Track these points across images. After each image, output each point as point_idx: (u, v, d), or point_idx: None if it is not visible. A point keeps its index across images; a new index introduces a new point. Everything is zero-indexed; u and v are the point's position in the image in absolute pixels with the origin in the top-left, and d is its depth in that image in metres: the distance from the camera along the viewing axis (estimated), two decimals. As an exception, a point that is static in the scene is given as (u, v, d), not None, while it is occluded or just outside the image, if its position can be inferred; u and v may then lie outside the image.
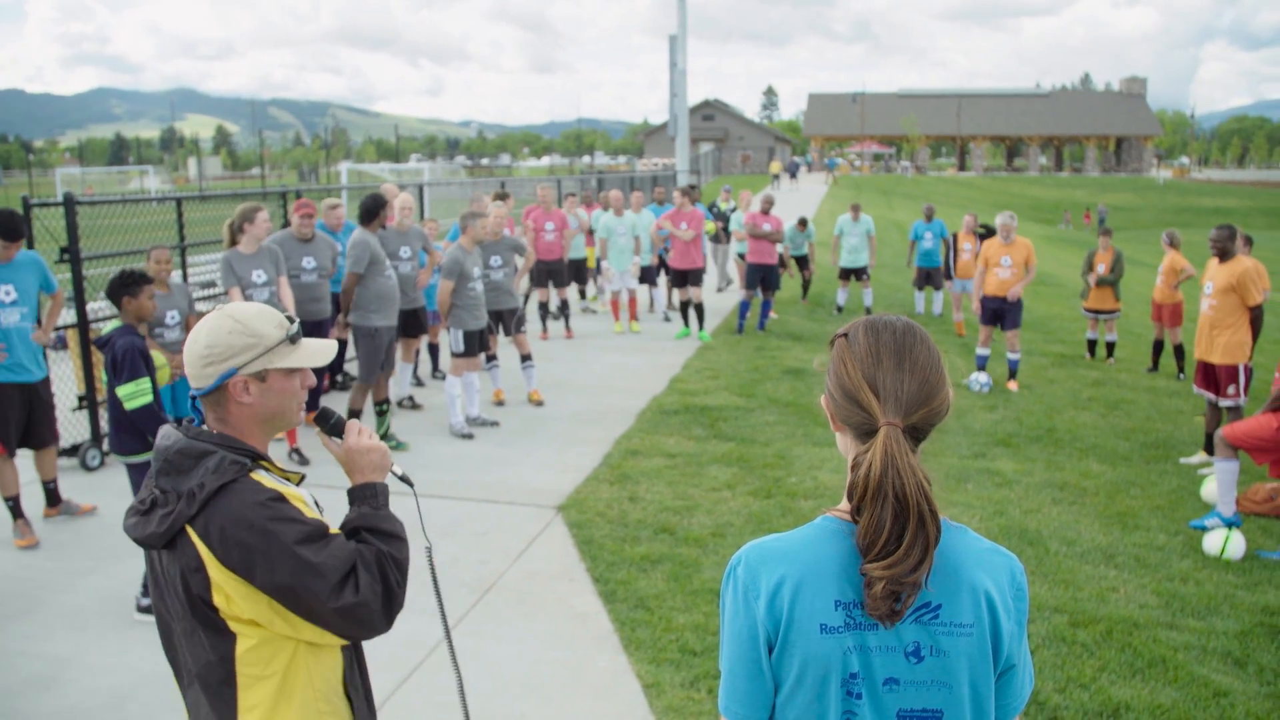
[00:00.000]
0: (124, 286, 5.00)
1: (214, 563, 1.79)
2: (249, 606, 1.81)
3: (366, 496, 2.01)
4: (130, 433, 4.90)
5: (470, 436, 7.89)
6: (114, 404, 4.91)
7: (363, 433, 2.06)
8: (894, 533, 1.39)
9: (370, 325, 7.40)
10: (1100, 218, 47.62)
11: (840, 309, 14.40)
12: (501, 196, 11.57)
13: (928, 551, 1.40)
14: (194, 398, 1.97)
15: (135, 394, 4.77)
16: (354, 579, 1.85)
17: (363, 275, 7.36)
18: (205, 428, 1.95)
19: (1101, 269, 11.33)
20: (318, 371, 8.48)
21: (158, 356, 5.21)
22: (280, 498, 1.85)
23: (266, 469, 1.94)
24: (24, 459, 6.32)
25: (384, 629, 1.89)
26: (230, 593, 1.80)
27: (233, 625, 1.83)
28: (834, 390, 1.51)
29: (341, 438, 2.07)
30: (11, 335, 5.79)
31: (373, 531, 1.96)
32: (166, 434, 1.90)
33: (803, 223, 14.91)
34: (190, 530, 1.80)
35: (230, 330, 1.91)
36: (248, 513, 1.79)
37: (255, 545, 1.78)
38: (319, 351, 2.01)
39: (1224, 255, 7.21)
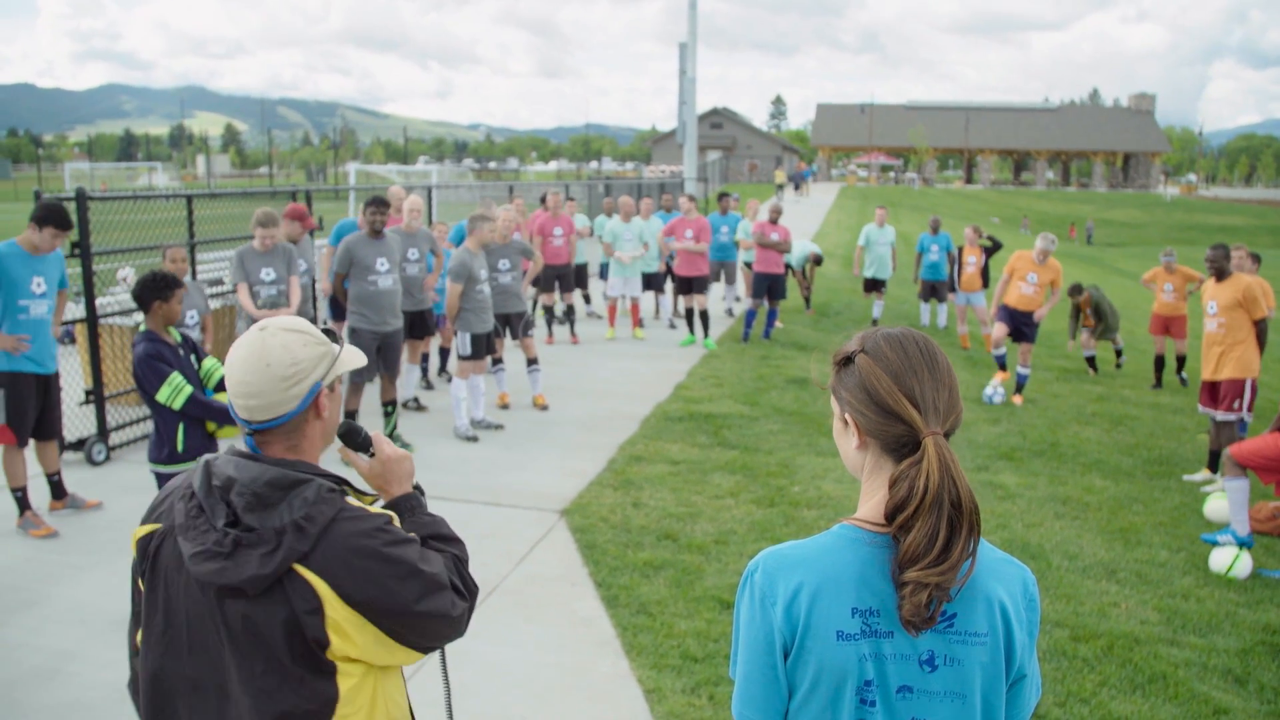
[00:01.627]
0: (155, 290, 4.77)
1: (334, 599, 1.66)
2: (361, 641, 1.70)
3: (414, 506, 1.97)
4: (165, 443, 4.77)
5: (475, 439, 7.91)
6: (154, 413, 4.82)
7: (389, 443, 2.00)
8: (948, 541, 1.41)
9: (350, 327, 7.48)
10: (1088, 234, 47.22)
11: (875, 321, 14.28)
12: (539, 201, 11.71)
13: (972, 556, 1.44)
14: (256, 431, 1.79)
15: (173, 393, 4.62)
16: (455, 586, 1.82)
17: (345, 277, 7.44)
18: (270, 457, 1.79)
19: (1094, 331, 11.60)
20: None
21: (210, 360, 5.01)
22: (390, 520, 1.78)
23: (348, 492, 1.81)
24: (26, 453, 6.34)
25: (463, 632, 1.87)
26: (348, 630, 1.68)
27: (341, 665, 1.72)
28: (863, 407, 1.51)
29: (369, 452, 1.99)
30: (39, 326, 5.94)
31: (437, 538, 1.91)
32: (242, 466, 1.72)
33: (818, 260, 15.05)
34: (301, 568, 1.66)
35: (305, 342, 1.79)
36: (368, 541, 1.69)
37: (384, 574, 1.68)
38: (357, 354, 1.93)
39: (1221, 274, 7.27)
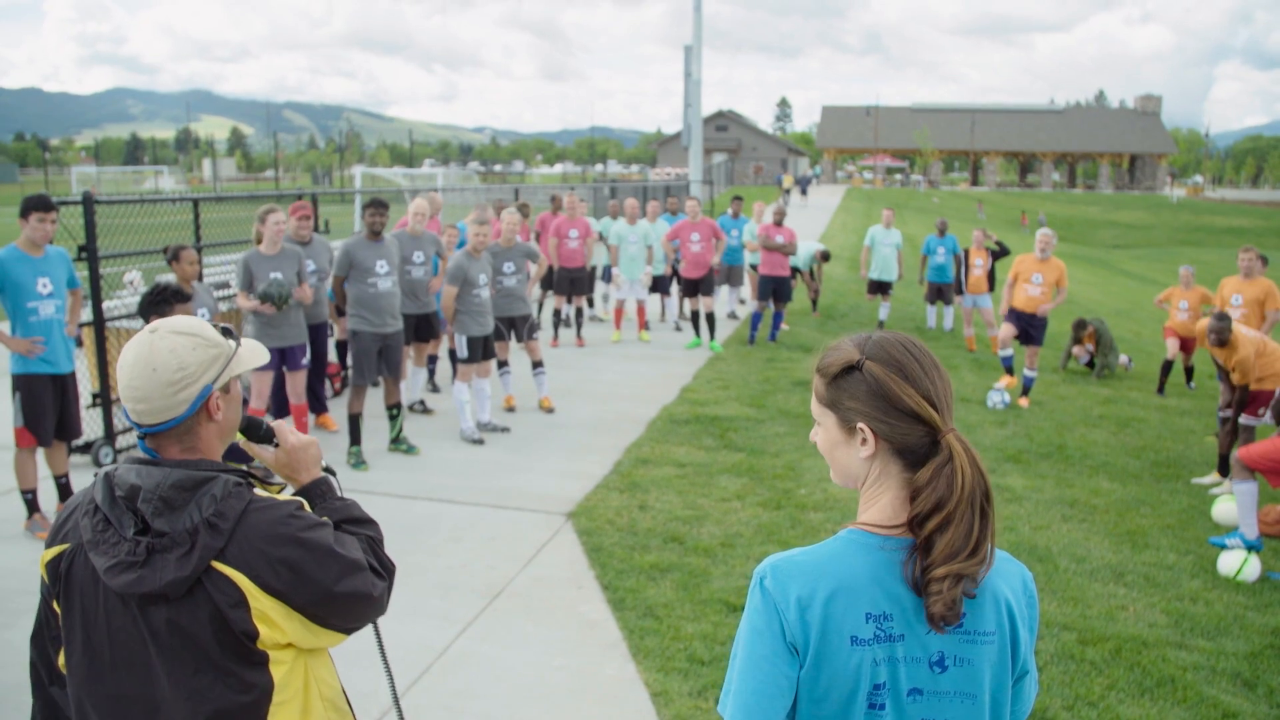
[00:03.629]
0: (151, 305, 4.71)
1: (255, 590, 1.68)
2: (289, 627, 1.73)
3: (325, 492, 1.98)
4: None
5: (480, 442, 7.91)
6: None
7: (292, 431, 2.00)
8: (981, 532, 1.43)
9: (351, 329, 7.46)
10: (1040, 222, 48.06)
11: (882, 324, 14.30)
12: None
13: (994, 543, 1.46)
14: (148, 434, 1.77)
15: None
16: (372, 566, 1.85)
17: (345, 279, 7.45)
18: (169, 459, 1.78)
19: (1090, 349, 11.63)
20: (324, 373, 8.51)
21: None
22: (300, 506, 1.80)
23: (255, 483, 1.83)
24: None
25: (384, 611, 1.90)
26: (274, 618, 1.70)
27: (272, 654, 1.74)
28: (883, 414, 1.49)
29: (273, 443, 1.99)
30: (51, 326, 5.93)
31: (350, 521, 1.94)
32: (143, 473, 1.71)
33: (825, 256, 15.05)
34: (219, 564, 1.67)
35: (194, 346, 1.77)
36: (282, 529, 1.71)
37: (301, 559, 1.71)
38: (258, 351, 1.92)
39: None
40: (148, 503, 1.67)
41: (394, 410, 7.65)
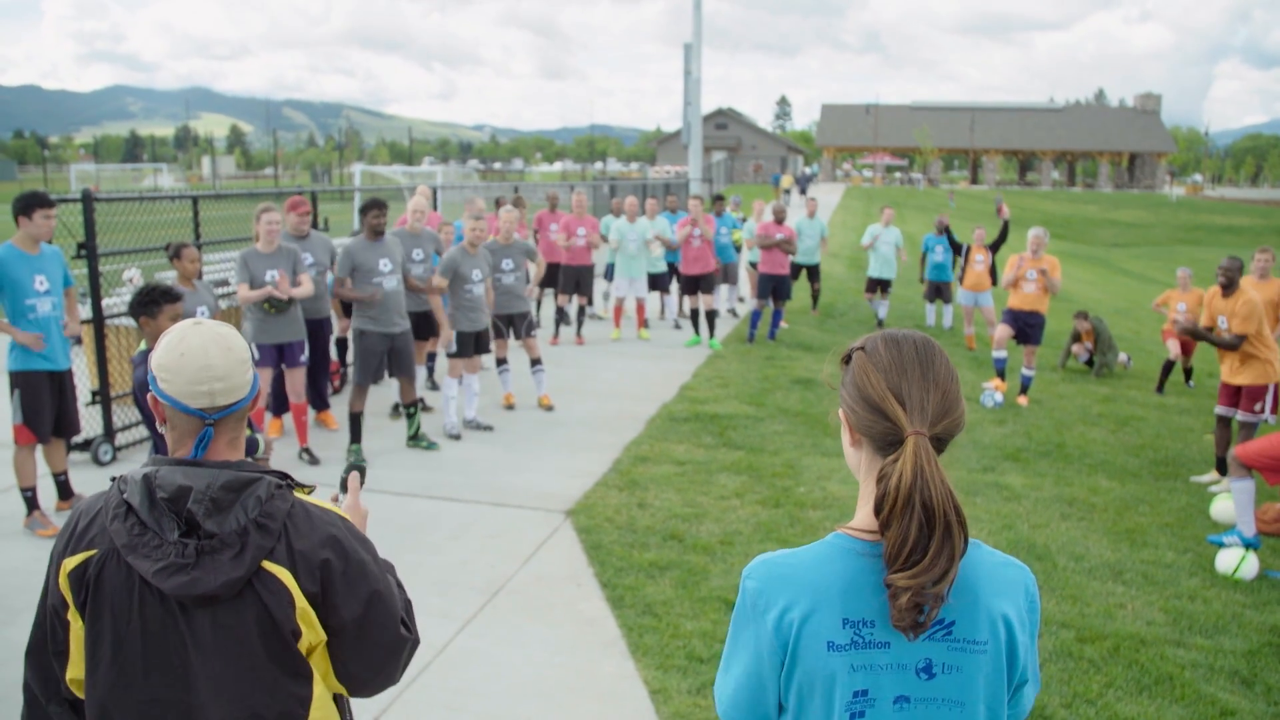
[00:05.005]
0: (141, 306, 4.68)
1: (298, 590, 1.70)
2: (317, 638, 1.76)
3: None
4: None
5: (458, 437, 7.92)
6: (154, 436, 4.81)
7: (345, 497, 2.06)
8: (919, 543, 1.39)
9: (356, 329, 7.47)
10: (996, 203, 48.32)
11: (881, 322, 14.22)
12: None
13: (953, 562, 1.40)
14: (217, 420, 1.76)
15: None
16: (402, 619, 1.85)
17: (346, 280, 7.47)
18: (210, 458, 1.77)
19: (1089, 347, 11.60)
20: (328, 369, 8.51)
21: None
22: (344, 518, 1.83)
23: (294, 486, 1.83)
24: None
25: (396, 681, 1.89)
26: (314, 620, 1.73)
27: (312, 660, 1.76)
28: (854, 403, 1.51)
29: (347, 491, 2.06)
30: (49, 324, 5.94)
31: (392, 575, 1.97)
32: (191, 474, 1.68)
33: (811, 201, 14.91)
34: (268, 563, 1.68)
35: (239, 333, 1.82)
36: (324, 530, 1.74)
37: (335, 564, 1.73)
38: None
39: (1229, 286, 7.19)
40: (199, 503, 1.66)
41: (411, 409, 7.66)
